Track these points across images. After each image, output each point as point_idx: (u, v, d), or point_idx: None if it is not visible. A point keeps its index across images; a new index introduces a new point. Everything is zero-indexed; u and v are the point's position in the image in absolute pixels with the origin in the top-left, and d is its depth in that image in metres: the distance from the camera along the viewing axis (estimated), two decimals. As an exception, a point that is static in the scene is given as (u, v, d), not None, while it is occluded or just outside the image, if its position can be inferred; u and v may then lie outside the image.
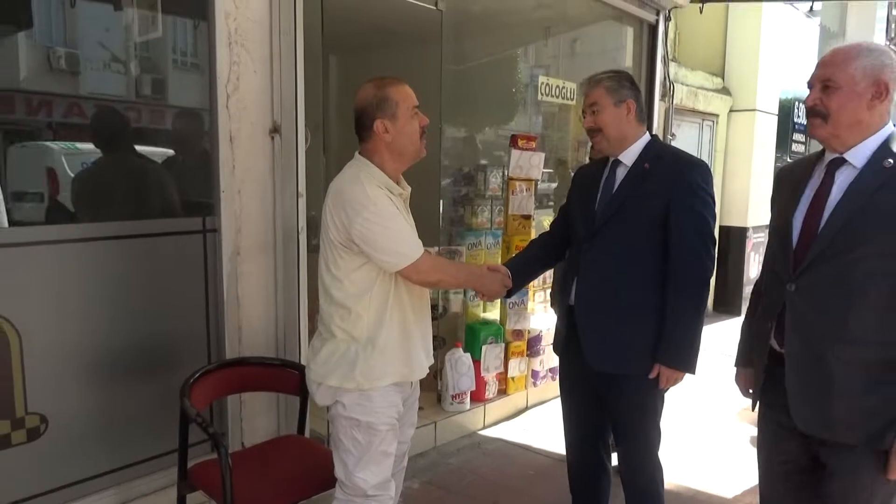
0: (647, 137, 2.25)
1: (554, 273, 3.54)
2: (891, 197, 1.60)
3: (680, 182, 2.13)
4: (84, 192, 2.61)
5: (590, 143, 3.18)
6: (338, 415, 2.06)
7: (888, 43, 9.12)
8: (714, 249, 2.15)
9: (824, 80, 1.68)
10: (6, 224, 2.27)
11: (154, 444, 2.59)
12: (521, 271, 2.44)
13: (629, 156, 2.22)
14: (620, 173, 2.24)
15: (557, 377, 3.28)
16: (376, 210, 1.93)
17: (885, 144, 1.66)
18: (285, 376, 2.54)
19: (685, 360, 2.14)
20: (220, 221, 2.66)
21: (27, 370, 2.25)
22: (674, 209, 2.11)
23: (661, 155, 2.21)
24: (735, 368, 2.11)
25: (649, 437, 2.30)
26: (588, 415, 2.42)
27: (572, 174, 2.60)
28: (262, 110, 2.75)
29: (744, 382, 2.07)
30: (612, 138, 2.21)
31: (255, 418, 2.84)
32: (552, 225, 2.58)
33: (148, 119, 2.87)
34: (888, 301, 1.59)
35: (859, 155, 1.67)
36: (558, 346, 2.44)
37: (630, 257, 2.18)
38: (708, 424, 4.11)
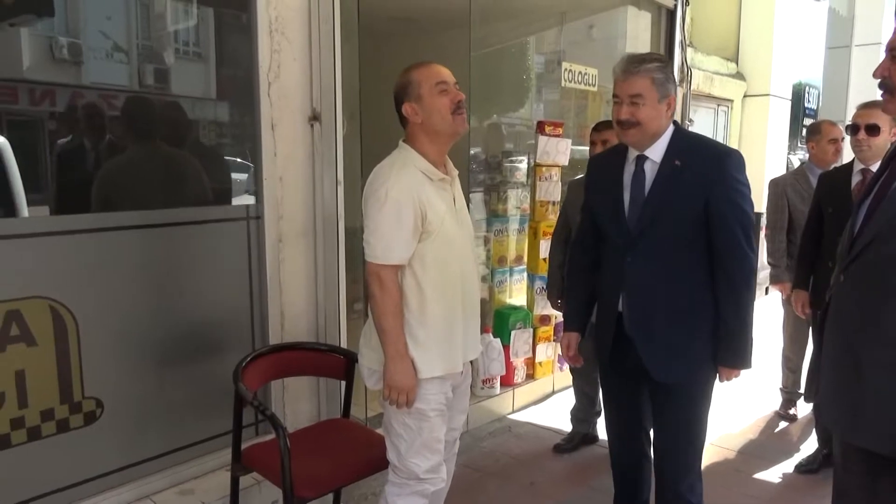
0: (671, 128, 2.10)
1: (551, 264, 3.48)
2: None
3: (717, 176, 2.03)
4: (118, 181, 2.62)
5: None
6: None
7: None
8: (755, 241, 2.11)
9: (892, 48, 1.49)
10: (26, 213, 2.31)
11: (204, 426, 2.64)
12: (587, 312, 2.40)
13: (657, 151, 2.08)
14: (650, 171, 2.09)
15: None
16: (385, 201, 1.95)
17: None
18: (332, 361, 2.58)
19: (743, 357, 2.12)
20: (264, 208, 2.69)
21: (83, 355, 2.30)
22: (714, 205, 2.02)
23: (690, 148, 2.09)
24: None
25: (695, 445, 2.26)
26: (632, 413, 2.41)
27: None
28: (302, 98, 2.77)
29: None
30: (647, 134, 2.05)
31: (296, 402, 2.89)
32: (584, 237, 2.38)
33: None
34: None
35: None
36: (603, 353, 2.30)
37: (676, 261, 2.09)
38: (744, 409, 4.15)
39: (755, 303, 2.15)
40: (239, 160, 3.03)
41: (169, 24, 2.83)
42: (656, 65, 2.03)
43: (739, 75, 7.30)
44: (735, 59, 7.35)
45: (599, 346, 2.32)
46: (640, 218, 2.08)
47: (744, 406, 4.17)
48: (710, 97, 6.77)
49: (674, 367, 2.13)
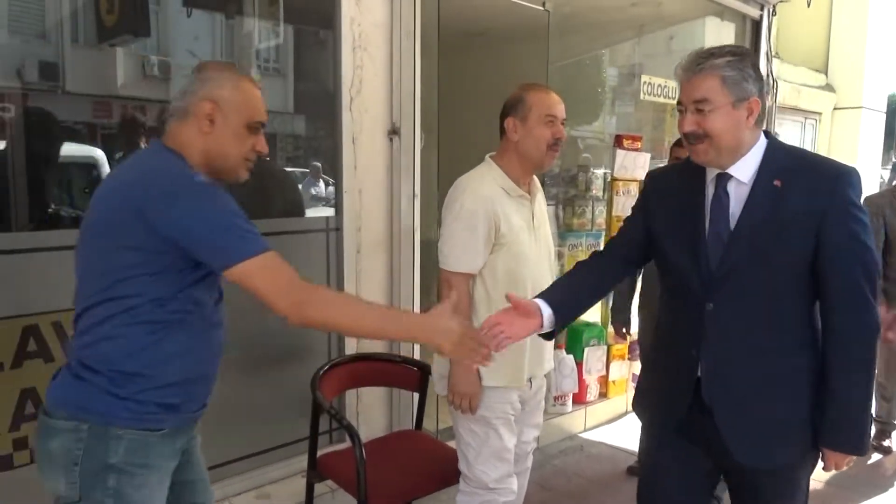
0: (763, 141, 1.62)
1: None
2: None
3: (832, 202, 1.54)
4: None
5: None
6: None
7: None
8: (879, 280, 1.61)
9: None
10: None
11: (281, 433, 2.70)
12: (567, 306, 1.77)
13: (744, 169, 1.60)
14: (737, 194, 1.62)
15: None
16: (460, 211, 2.04)
17: None
18: (406, 373, 2.59)
19: (859, 440, 1.60)
20: (343, 220, 2.75)
21: (171, 359, 2.39)
22: (829, 239, 1.54)
23: (795, 165, 1.60)
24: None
25: None
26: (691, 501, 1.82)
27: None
28: (383, 112, 2.82)
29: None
30: (723, 149, 1.57)
31: (370, 413, 2.92)
32: (612, 245, 1.93)
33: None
34: None
35: None
36: (667, 423, 1.74)
37: (775, 311, 1.62)
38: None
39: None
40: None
41: (252, 42, 2.95)
42: (727, 59, 1.55)
43: (829, 87, 6.97)
44: (824, 69, 7.03)
45: (662, 412, 1.78)
46: (726, 254, 1.61)
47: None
48: (796, 110, 6.49)
49: (767, 449, 1.63)
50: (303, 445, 2.44)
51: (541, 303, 1.70)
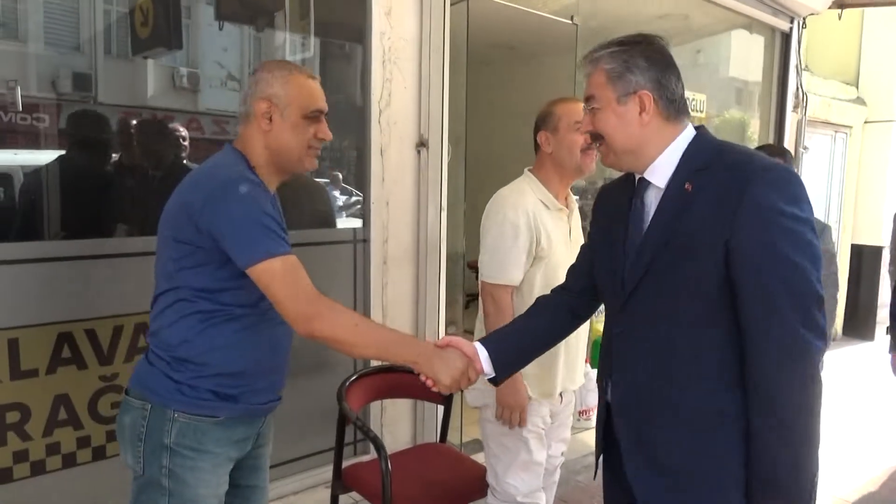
0: (687, 136, 1.39)
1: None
2: None
3: (742, 205, 1.25)
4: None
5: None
6: (486, 419, 2.13)
7: None
8: (821, 312, 1.25)
9: None
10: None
11: (306, 444, 2.71)
12: (513, 354, 1.65)
13: (660, 172, 1.38)
14: (652, 200, 1.40)
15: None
16: (503, 223, 2.03)
17: None
18: (431, 385, 2.58)
19: (791, 500, 1.29)
20: (370, 232, 2.77)
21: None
22: (739, 251, 1.25)
23: (710, 164, 1.33)
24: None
25: None
26: None
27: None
28: (411, 125, 2.84)
29: None
30: (619, 151, 1.40)
31: (395, 424, 2.92)
32: (568, 280, 1.74)
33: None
34: None
35: None
36: (596, 449, 1.63)
37: (687, 336, 1.34)
38: (866, 459, 3.85)
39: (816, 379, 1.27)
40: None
41: (282, 55, 2.98)
42: (610, 51, 1.37)
43: (860, 100, 6.87)
44: (855, 83, 6.92)
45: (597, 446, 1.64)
46: (634, 264, 1.39)
47: (865, 455, 3.86)
48: (826, 123, 6.40)
49: (676, 497, 1.38)
50: (327, 456, 2.46)
51: (479, 346, 1.61)
